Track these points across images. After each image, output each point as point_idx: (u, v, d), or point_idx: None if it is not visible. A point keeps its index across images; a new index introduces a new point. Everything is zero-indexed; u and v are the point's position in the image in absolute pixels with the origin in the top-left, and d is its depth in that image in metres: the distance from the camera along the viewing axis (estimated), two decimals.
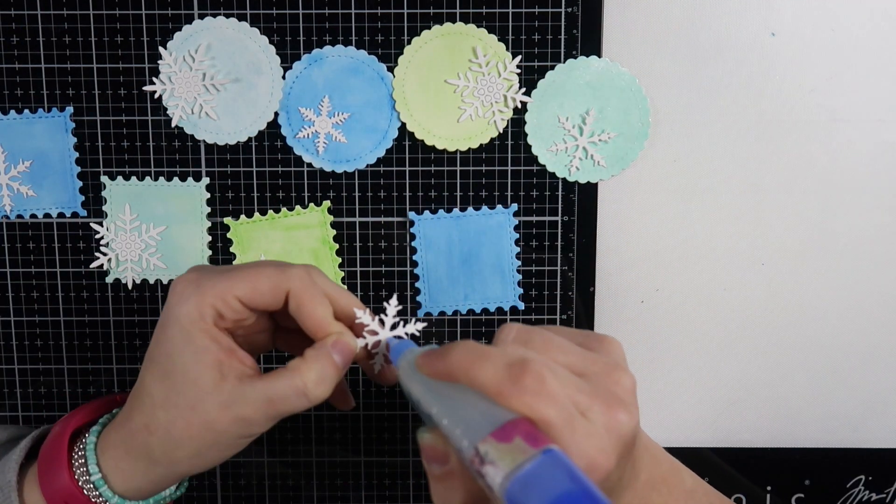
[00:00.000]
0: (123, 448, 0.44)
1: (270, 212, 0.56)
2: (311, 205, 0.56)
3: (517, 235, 0.56)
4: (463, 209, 0.56)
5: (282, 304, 0.43)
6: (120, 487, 0.44)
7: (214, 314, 0.42)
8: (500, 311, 0.57)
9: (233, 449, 0.44)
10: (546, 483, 0.32)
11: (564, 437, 0.35)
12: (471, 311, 0.57)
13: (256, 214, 0.56)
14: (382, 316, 0.44)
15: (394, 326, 0.44)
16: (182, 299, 0.42)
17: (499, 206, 0.56)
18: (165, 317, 0.43)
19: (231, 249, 0.56)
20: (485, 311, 0.57)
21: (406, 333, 0.44)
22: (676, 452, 0.59)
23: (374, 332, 0.44)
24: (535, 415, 0.35)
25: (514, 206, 0.56)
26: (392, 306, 0.44)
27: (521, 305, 0.57)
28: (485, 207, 0.56)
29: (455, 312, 0.57)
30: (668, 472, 0.44)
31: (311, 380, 0.42)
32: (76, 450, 0.45)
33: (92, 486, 0.44)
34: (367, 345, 0.44)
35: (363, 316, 0.43)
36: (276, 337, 0.48)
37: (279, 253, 0.56)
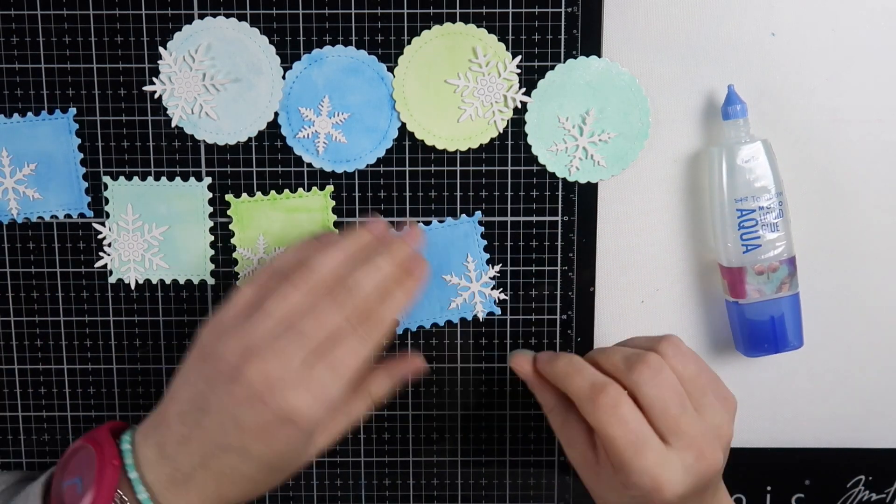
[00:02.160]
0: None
1: (272, 192, 0.56)
2: (314, 188, 0.56)
3: (485, 242, 0.56)
4: (427, 222, 0.56)
5: None
6: None
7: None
8: (476, 320, 0.57)
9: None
10: None
11: (626, 456, 0.44)
12: (448, 323, 0.57)
13: (258, 193, 0.56)
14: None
15: None
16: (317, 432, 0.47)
17: (462, 216, 0.55)
18: (280, 416, 0.44)
19: (230, 227, 0.56)
20: (463, 321, 0.57)
21: None
22: None
23: None
24: (602, 430, 0.44)
25: (479, 214, 0.54)
26: None
27: (498, 311, 0.57)
28: (449, 219, 0.55)
29: (433, 325, 0.57)
30: None
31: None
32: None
33: None
34: None
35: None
36: None
37: (278, 234, 0.56)
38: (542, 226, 0.57)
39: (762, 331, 0.54)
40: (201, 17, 0.54)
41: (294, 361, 0.44)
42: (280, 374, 0.43)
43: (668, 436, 0.44)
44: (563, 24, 0.55)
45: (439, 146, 0.55)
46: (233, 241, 0.57)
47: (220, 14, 0.54)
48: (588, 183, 0.56)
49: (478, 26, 0.54)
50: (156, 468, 0.45)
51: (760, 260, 0.53)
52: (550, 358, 0.49)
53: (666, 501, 0.44)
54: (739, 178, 0.53)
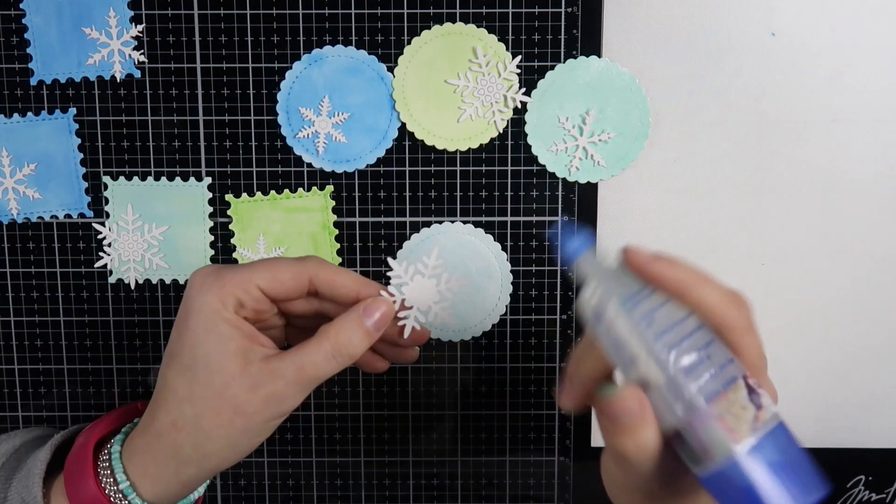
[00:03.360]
0: (150, 452, 0.44)
1: (272, 192, 0.56)
2: (314, 188, 0.56)
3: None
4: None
5: (302, 292, 0.44)
6: (149, 493, 0.44)
7: (235, 303, 0.43)
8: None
9: (263, 433, 0.44)
10: (785, 447, 0.34)
11: (760, 366, 0.36)
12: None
13: (258, 193, 0.56)
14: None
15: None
16: (202, 290, 0.43)
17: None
18: (185, 309, 0.43)
19: (230, 227, 0.56)
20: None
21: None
22: None
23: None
24: (744, 337, 0.36)
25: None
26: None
27: (137, 73, 0.54)
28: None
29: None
30: None
31: (339, 341, 0.43)
32: (101, 459, 0.45)
33: (120, 494, 0.44)
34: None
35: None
36: (288, 333, 0.49)
37: (278, 234, 0.56)
38: (542, 226, 0.57)
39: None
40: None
41: None
42: None
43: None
44: (563, 24, 0.55)
45: (439, 146, 0.55)
46: (233, 241, 0.57)
47: (220, 12, 0.54)
48: (588, 183, 0.56)
49: (478, 26, 0.54)
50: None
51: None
52: (668, 259, 0.37)
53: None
54: None
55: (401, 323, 0.45)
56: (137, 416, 0.49)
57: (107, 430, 0.47)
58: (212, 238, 0.57)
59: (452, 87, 0.55)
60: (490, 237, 0.56)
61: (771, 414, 0.34)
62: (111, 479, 0.44)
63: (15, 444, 0.50)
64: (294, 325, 0.48)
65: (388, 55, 0.55)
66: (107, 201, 0.56)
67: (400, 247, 0.57)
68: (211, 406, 0.42)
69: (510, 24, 0.54)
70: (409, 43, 0.55)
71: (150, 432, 0.44)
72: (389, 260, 0.45)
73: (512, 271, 0.57)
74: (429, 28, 0.54)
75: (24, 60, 0.55)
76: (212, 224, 0.56)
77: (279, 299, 0.45)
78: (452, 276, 0.45)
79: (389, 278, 0.45)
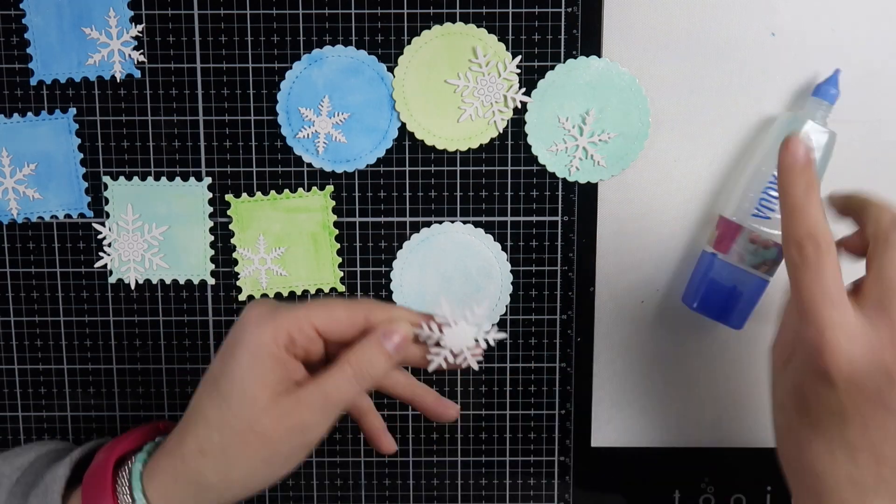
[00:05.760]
0: (172, 474, 0.44)
1: (272, 192, 0.56)
2: (314, 188, 0.56)
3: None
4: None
5: (357, 332, 0.44)
6: None
7: (287, 339, 0.43)
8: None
9: (286, 465, 0.44)
10: None
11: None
12: None
13: (258, 193, 0.56)
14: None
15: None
16: (258, 323, 0.43)
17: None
18: (234, 339, 0.44)
19: (230, 227, 0.56)
20: None
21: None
22: (676, 453, 0.59)
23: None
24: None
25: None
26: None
27: (137, 73, 0.54)
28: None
29: None
30: None
31: (360, 362, 0.43)
32: (120, 478, 0.45)
33: None
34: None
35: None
36: None
37: (278, 234, 0.56)
38: (542, 226, 0.57)
39: (717, 293, 0.54)
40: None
41: None
42: None
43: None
44: (563, 24, 0.55)
45: (439, 146, 0.55)
46: (233, 241, 0.57)
47: (220, 12, 0.54)
48: (588, 183, 0.56)
49: (478, 26, 0.54)
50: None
51: (761, 231, 0.52)
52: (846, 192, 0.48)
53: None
54: None
55: (429, 357, 0.45)
56: (160, 434, 0.49)
57: (127, 449, 0.47)
58: (212, 238, 0.57)
59: (452, 87, 0.55)
60: (490, 237, 0.56)
61: None
62: (129, 499, 0.44)
63: (30, 458, 0.50)
64: None
65: (388, 55, 0.55)
66: (107, 201, 0.56)
67: (400, 247, 0.57)
68: (239, 435, 0.42)
69: (510, 24, 0.54)
70: (409, 43, 0.55)
71: (175, 455, 0.44)
72: (442, 300, 0.44)
73: (512, 271, 0.57)
74: (429, 28, 0.54)
75: (24, 60, 0.55)
76: (212, 224, 0.56)
77: (333, 339, 0.45)
78: (493, 327, 0.45)
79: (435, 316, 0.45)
